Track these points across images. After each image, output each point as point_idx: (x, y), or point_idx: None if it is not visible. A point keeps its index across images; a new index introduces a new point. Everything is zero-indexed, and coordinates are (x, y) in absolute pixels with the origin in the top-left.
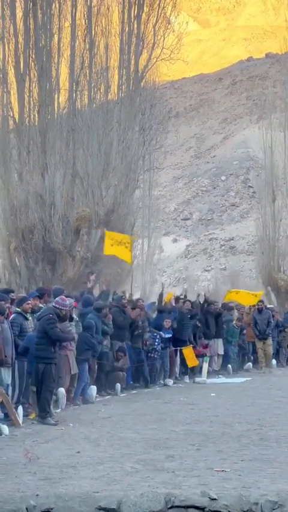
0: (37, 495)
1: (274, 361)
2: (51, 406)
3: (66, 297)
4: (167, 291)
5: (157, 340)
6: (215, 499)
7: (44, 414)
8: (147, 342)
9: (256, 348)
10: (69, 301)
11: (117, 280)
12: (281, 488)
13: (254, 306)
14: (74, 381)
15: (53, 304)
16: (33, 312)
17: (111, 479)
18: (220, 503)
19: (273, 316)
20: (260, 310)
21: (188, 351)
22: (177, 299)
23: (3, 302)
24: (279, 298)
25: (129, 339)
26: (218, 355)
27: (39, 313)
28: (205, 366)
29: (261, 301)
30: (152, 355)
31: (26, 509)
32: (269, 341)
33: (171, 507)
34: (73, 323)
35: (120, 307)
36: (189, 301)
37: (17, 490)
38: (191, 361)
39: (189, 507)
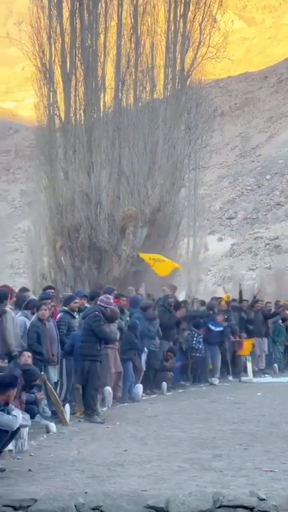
0: (86, 493)
1: None
2: (98, 404)
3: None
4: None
5: (195, 338)
6: (264, 499)
7: (90, 412)
8: (186, 340)
9: None
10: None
11: (162, 279)
12: None
13: None
14: (120, 379)
15: (98, 302)
16: (79, 311)
17: (159, 478)
18: (269, 503)
19: None
20: None
21: (249, 343)
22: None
23: (49, 301)
24: None
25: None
26: (264, 354)
27: (84, 311)
28: (249, 365)
29: None
30: (195, 354)
31: (75, 506)
32: None
33: (220, 506)
34: (116, 323)
35: (166, 307)
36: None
37: (65, 487)
38: (245, 351)
39: (237, 507)
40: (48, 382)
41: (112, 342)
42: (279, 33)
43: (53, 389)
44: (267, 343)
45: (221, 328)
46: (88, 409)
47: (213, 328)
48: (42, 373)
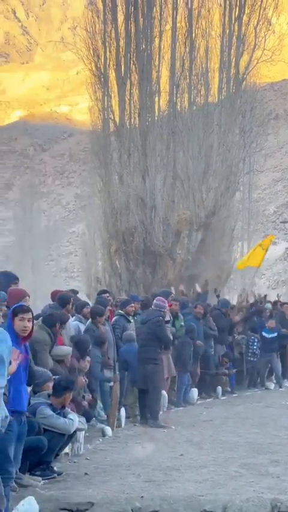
0: (142, 497)
1: None
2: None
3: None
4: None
5: (256, 343)
6: None
7: (155, 416)
8: (243, 345)
9: None
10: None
11: (216, 282)
12: None
13: None
14: (174, 383)
15: (154, 307)
16: (134, 315)
17: (216, 483)
18: None
19: None
20: None
21: None
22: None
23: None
24: None
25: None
26: None
27: (146, 315)
28: None
29: None
30: (251, 358)
31: (132, 510)
32: None
33: None
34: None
35: (221, 311)
36: None
37: (121, 491)
38: None
39: None
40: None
41: (169, 348)
42: None
43: (117, 392)
44: None
45: (274, 335)
46: (154, 413)
47: (266, 335)
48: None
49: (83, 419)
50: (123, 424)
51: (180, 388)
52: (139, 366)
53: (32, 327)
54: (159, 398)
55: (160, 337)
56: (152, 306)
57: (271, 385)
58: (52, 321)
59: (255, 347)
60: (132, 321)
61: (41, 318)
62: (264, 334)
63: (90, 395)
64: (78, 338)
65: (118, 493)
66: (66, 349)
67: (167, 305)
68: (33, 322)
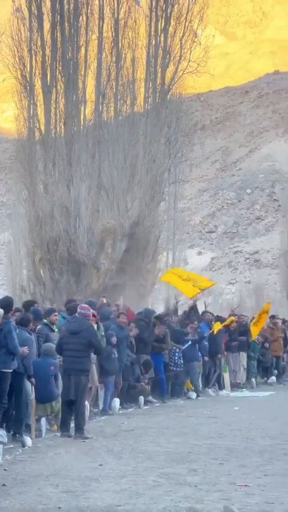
0: (59, 508)
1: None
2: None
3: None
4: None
5: (177, 353)
6: None
7: (82, 427)
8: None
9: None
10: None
11: (140, 292)
12: None
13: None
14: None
15: (82, 316)
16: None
17: (134, 492)
18: None
19: None
20: None
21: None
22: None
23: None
24: None
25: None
26: (243, 367)
27: (75, 325)
28: (226, 376)
29: None
30: (173, 368)
31: None
32: None
33: None
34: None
35: (144, 321)
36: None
37: (39, 502)
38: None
39: None
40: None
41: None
42: (260, 49)
43: (34, 403)
44: (245, 357)
45: (189, 343)
46: (80, 425)
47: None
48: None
49: (3, 432)
50: (43, 435)
51: (106, 395)
52: (66, 377)
53: None
54: (84, 410)
55: (96, 348)
56: (76, 315)
57: (193, 395)
58: None
59: (176, 357)
60: (56, 330)
61: None
62: (186, 346)
63: None
64: None
65: (35, 504)
66: None
67: (90, 312)
68: None
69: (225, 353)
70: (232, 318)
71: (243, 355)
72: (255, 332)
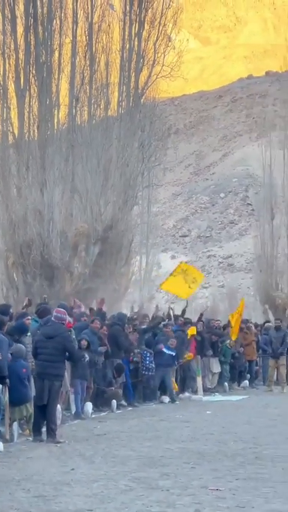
0: None
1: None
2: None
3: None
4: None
5: (148, 357)
6: None
7: (55, 431)
8: (135, 359)
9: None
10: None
11: (114, 296)
12: (275, 508)
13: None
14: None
15: (57, 320)
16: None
17: (105, 497)
18: None
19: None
20: (277, 329)
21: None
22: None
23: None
24: (276, 316)
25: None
26: (213, 373)
27: (50, 329)
28: (199, 380)
29: (279, 319)
30: (146, 372)
31: None
32: (283, 360)
33: None
34: None
35: (121, 326)
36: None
37: (10, 507)
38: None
39: None
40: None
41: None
42: (234, 53)
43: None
44: (217, 362)
45: (173, 353)
46: (52, 429)
47: (166, 351)
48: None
49: None
50: (15, 439)
51: (77, 399)
52: (40, 381)
53: None
54: (56, 414)
55: (70, 353)
56: (52, 318)
57: (166, 399)
58: None
59: (147, 361)
60: (29, 333)
61: None
62: (164, 350)
63: None
64: None
65: (6, 508)
66: None
67: (66, 316)
68: None
69: (197, 357)
70: (193, 329)
71: (215, 360)
72: (234, 333)
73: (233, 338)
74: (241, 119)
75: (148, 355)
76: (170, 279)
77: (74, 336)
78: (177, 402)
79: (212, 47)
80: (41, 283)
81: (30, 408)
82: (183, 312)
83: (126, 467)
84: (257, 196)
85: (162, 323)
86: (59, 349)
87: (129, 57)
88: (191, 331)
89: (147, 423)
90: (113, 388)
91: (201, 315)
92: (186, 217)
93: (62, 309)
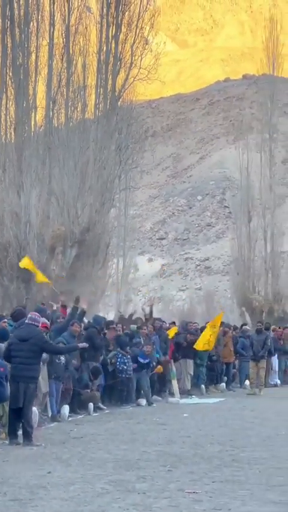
0: None
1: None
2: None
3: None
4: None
5: (120, 359)
6: None
7: (31, 434)
8: (112, 361)
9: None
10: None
11: (91, 299)
12: (252, 510)
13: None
14: (45, 400)
15: (29, 321)
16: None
17: (82, 500)
18: None
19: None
20: (258, 332)
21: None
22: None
23: None
24: (253, 319)
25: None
26: (189, 374)
27: (24, 332)
28: (174, 383)
29: (260, 322)
30: (121, 375)
31: None
32: (263, 363)
33: None
34: None
35: (97, 329)
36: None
37: None
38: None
39: None
40: None
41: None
42: (211, 56)
43: None
44: (191, 365)
45: (147, 361)
46: (29, 432)
47: (141, 360)
48: None
49: None
50: None
51: (51, 402)
52: (15, 384)
53: None
54: (32, 417)
55: (50, 352)
56: (27, 321)
57: (142, 402)
58: None
59: (123, 364)
60: None
61: None
62: (139, 359)
63: None
64: None
65: None
66: None
67: (40, 318)
68: None
69: (172, 360)
70: (175, 329)
71: (190, 363)
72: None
73: (210, 349)
74: (218, 122)
75: (124, 358)
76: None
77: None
78: (154, 405)
79: (189, 50)
80: (17, 285)
81: (6, 407)
82: (151, 312)
83: (103, 470)
84: (234, 198)
85: (137, 325)
86: (34, 351)
87: (107, 59)
88: (172, 331)
89: (124, 426)
90: (89, 391)
91: (150, 306)
92: (163, 220)
93: (36, 312)
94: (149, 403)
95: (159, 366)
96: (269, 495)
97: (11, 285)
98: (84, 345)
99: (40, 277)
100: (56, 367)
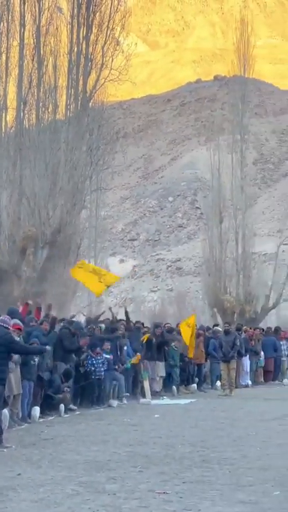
0: None
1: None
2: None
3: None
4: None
5: (93, 360)
6: None
7: (0, 437)
8: (83, 362)
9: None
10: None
11: (62, 300)
12: (221, 510)
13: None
14: (17, 401)
15: (1, 323)
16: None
17: (52, 501)
18: None
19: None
20: (226, 332)
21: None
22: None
23: None
24: (225, 320)
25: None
26: (160, 376)
27: None
28: (146, 384)
29: (227, 323)
30: (92, 376)
31: None
32: (233, 364)
33: None
34: None
35: (70, 331)
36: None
37: None
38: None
39: None
40: None
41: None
42: (182, 58)
43: None
44: (162, 366)
45: (109, 356)
46: (0, 434)
47: (104, 355)
48: None
49: None
50: None
51: (23, 403)
52: None
53: None
54: (2, 419)
55: (19, 352)
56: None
57: (114, 403)
58: None
59: (95, 365)
60: None
61: None
62: (103, 354)
63: None
64: None
65: None
66: None
67: (11, 321)
68: None
69: (144, 361)
70: (146, 336)
71: (160, 364)
72: (190, 351)
73: (190, 356)
74: (189, 123)
75: (93, 359)
76: (80, 272)
77: (19, 339)
78: (126, 402)
79: (161, 51)
80: None
81: None
82: (127, 315)
83: (73, 471)
84: (206, 200)
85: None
86: (2, 352)
87: (77, 60)
88: (145, 338)
89: (95, 427)
90: (61, 396)
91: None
92: (134, 221)
93: (9, 313)
94: (120, 400)
95: (137, 355)
96: (239, 495)
97: None
98: (48, 348)
99: (97, 288)
100: (29, 368)
